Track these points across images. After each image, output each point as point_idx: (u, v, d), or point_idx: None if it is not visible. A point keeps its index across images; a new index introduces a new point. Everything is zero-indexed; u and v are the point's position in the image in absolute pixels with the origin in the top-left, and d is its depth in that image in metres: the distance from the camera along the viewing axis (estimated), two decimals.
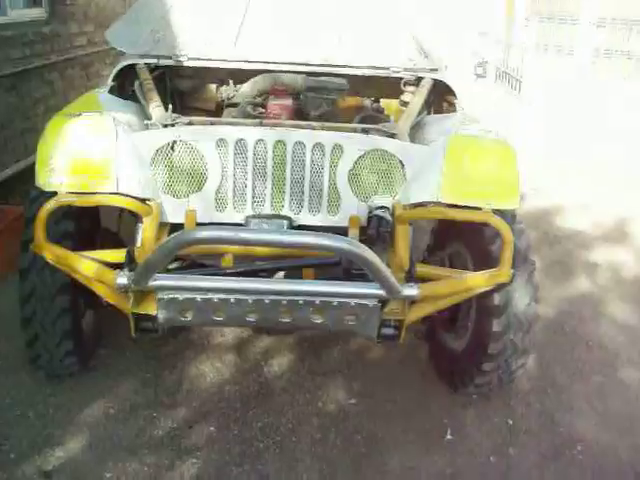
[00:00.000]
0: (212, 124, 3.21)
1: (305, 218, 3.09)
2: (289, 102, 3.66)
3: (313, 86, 3.73)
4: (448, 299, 3.00)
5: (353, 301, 2.72)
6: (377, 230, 2.95)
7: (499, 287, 2.99)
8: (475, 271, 3.04)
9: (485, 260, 3.03)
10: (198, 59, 3.75)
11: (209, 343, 3.85)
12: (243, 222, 3.07)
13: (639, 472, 3.15)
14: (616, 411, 3.54)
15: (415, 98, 3.66)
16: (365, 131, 3.21)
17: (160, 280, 2.65)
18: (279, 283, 2.79)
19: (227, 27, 3.87)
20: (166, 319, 2.79)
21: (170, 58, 3.74)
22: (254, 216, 3.06)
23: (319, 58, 3.76)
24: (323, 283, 2.76)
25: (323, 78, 3.76)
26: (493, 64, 12.52)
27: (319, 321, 2.78)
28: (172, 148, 3.02)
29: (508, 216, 3.00)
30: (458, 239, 3.36)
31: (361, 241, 2.81)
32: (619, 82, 10.39)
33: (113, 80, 3.77)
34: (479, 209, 2.86)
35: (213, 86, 4.17)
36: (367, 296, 2.71)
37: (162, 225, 3.05)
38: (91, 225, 3.31)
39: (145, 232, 2.94)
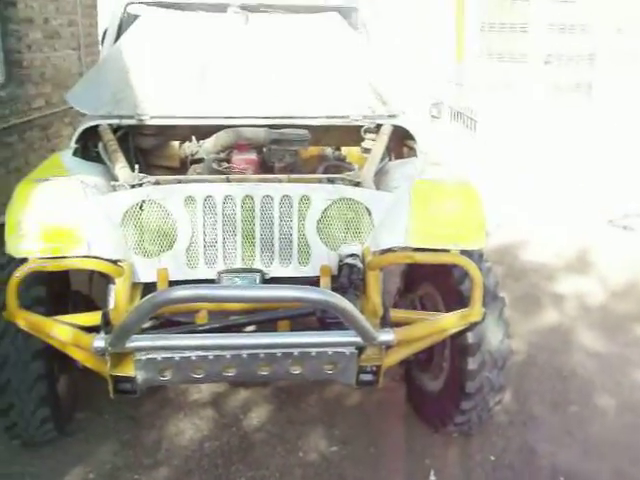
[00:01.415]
0: (179, 182, 3.24)
1: (276, 270, 3.12)
2: (253, 156, 3.71)
3: (276, 138, 3.79)
4: (423, 341, 3.05)
5: (330, 350, 2.75)
6: (348, 278, 2.99)
7: (472, 326, 3.04)
8: (447, 312, 3.09)
9: (456, 300, 3.09)
10: (160, 117, 3.79)
11: (186, 400, 3.82)
12: (215, 278, 3.09)
13: None
14: (596, 438, 3.58)
15: (376, 145, 3.73)
16: (330, 181, 3.27)
17: (137, 341, 2.66)
18: (256, 337, 2.81)
19: (187, 84, 3.92)
20: (145, 380, 2.79)
21: (132, 118, 3.76)
22: (226, 271, 3.09)
23: (280, 111, 3.83)
24: (300, 334, 2.79)
25: (285, 130, 3.82)
26: (447, 105, 12.78)
27: (298, 372, 2.80)
28: (141, 208, 3.05)
29: (475, 256, 3.07)
30: (428, 281, 3.41)
31: (333, 290, 2.86)
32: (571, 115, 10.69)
33: (76, 142, 3.78)
34: (447, 251, 2.92)
35: (176, 143, 4.22)
36: (344, 344, 2.75)
37: (135, 285, 3.05)
38: (62, 288, 3.30)
39: (118, 293, 2.94)
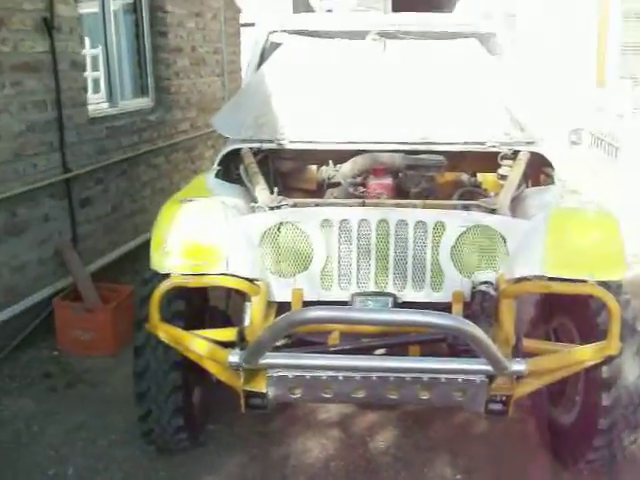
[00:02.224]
0: (316, 205, 3.33)
1: (409, 295, 3.15)
2: (389, 181, 3.77)
3: (412, 164, 3.83)
4: (556, 373, 2.97)
5: (460, 377, 2.74)
6: (481, 305, 2.98)
7: (608, 360, 2.94)
8: (582, 344, 3.01)
9: (592, 333, 3.00)
10: (299, 142, 3.90)
11: (314, 419, 3.89)
12: (348, 300, 3.14)
13: None
14: None
15: (513, 172, 3.70)
16: (466, 207, 3.27)
17: (270, 358, 2.75)
18: (387, 360, 2.84)
19: (326, 110, 4.03)
20: (276, 396, 2.87)
21: (272, 142, 3.91)
22: (359, 294, 3.14)
23: (416, 136, 3.86)
24: (430, 360, 2.80)
25: (421, 155, 3.85)
26: (587, 130, 12.38)
27: (426, 397, 2.80)
28: (278, 230, 3.16)
29: (613, 287, 2.97)
30: (563, 312, 3.33)
31: (465, 317, 2.85)
32: None
33: (219, 164, 3.97)
34: (584, 281, 2.85)
35: (314, 167, 4.34)
36: (474, 372, 2.73)
37: (270, 304, 3.16)
38: (200, 304, 3.45)
39: (254, 311, 3.05)
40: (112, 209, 6.00)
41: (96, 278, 5.12)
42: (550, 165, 3.88)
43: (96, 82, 6.32)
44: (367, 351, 3.00)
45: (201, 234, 3.04)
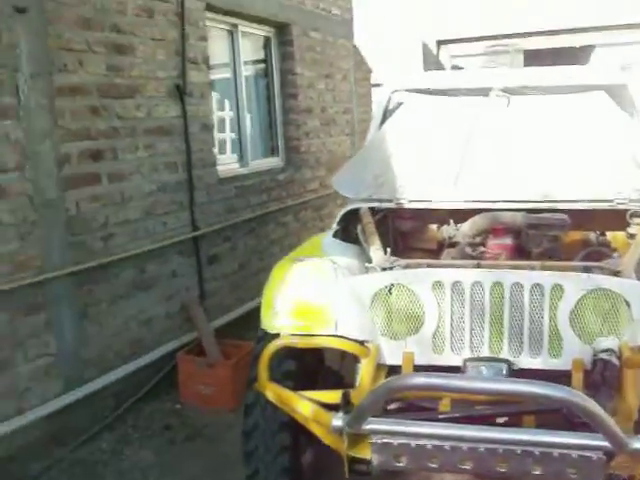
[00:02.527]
0: (429, 266, 3.25)
1: (525, 361, 2.97)
2: (509, 241, 3.63)
3: (533, 223, 3.68)
4: None
5: (575, 453, 2.53)
6: (602, 375, 2.77)
7: None
8: None
9: None
10: (418, 201, 3.85)
11: None
12: (461, 365, 3.02)
13: None
14: None
15: None
16: (587, 269, 3.08)
17: (374, 424, 2.66)
18: (494, 431, 2.68)
19: (446, 168, 3.96)
20: (380, 463, 2.77)
21: (391, 201, 3.87)
22: (472, 359, 3.00)
23: (538, 194, 3.71)
24: (542, 432, 2.61)
25: (544, 214, 3.70)
26: None
27: (538, 472, 2.61)
28: (390, 291, 3.09)
29: None
30: None
31: (586, 386, 2.66)
32: None
33: (338, 224, 3.97)
34: None
35: (434, 226, 4.26)
36: (590, 448, 2.52)
37: (380, 366, 3.08)
38: (314, 363, 3.42)
39: (363, 373, 2.98)
40: (239, 267, 6.15)
41: (221, 334, 5.23)
42: None
43: (227, 143, 6.57)
44: (479, 420, 2.85)
45: (310, 294, 3.02)
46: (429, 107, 4.48)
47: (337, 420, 2.75)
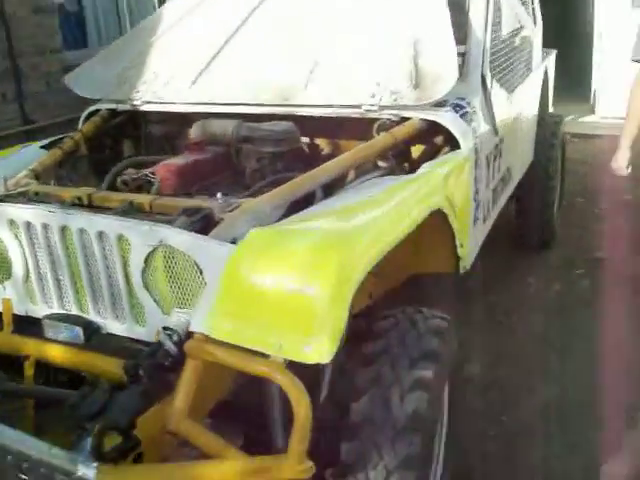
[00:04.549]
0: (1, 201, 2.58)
1: (112, 325, 2.35)
2: (181, 161, 2.90)
3: (245, 135, 2.94)
4: None
5: None
6: (154, 366, 2.03)
7: None
8: None
9: None
10: (154, 103, 3.29)
11: None
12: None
13: None
14: None
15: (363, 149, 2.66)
16: (189, 212, 2.31)
17: None
18: None
19: (192, 67, 3.33)
20: None
21: (127, 103, 3.35)
22: (51, 316, 2.42)
23: (277, 97, 3.02)
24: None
25: (264, 124, 2.94)
26: None
27: None
28: None
29: None
30: None
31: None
32: None
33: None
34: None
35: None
36: None
37: None
38: None
39: None
40: None
41: None
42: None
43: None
44: None
45: None
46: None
47: None
